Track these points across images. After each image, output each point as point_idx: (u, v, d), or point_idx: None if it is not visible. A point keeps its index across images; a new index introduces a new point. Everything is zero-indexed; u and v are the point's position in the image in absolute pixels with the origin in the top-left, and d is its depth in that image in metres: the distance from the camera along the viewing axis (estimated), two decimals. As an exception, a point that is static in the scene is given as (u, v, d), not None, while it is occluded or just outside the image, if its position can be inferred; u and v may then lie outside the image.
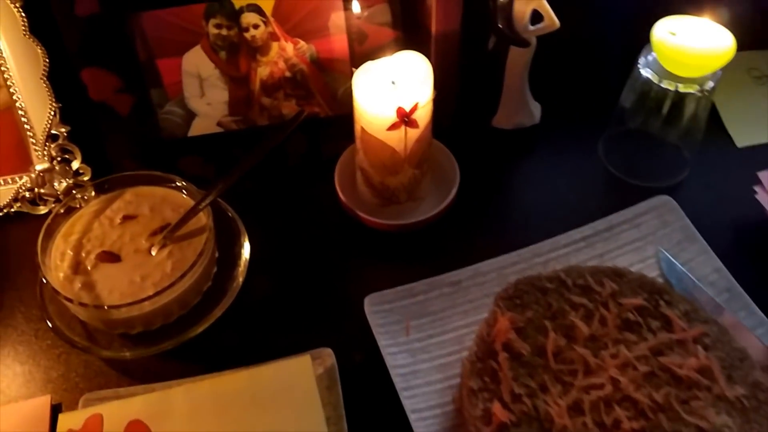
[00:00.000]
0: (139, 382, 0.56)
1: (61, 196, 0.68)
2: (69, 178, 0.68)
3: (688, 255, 0.59)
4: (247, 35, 0.64)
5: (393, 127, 0.57)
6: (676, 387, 0.48)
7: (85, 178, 0.68)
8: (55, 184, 0.68)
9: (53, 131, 0.67)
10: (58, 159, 0.68)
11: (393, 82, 0.57)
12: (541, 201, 0.68)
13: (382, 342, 0.54)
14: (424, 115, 0.58)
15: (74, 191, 0.64)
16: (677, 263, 0.58)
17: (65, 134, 0.67)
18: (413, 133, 0.58)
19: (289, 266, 0.64)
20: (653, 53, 0.61)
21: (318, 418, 0.50)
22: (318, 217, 0.67)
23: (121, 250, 0.59)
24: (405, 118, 0.56)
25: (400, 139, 0.58)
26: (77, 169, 0.68)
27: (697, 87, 0.60)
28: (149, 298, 0.54)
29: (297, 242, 0.66)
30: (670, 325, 0.51)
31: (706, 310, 0.53)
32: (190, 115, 0.68)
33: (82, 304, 0.55)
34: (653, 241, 0.60)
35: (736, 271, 0.57)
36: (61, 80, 0.65)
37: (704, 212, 0.63)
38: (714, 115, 0.71)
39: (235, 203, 0.64)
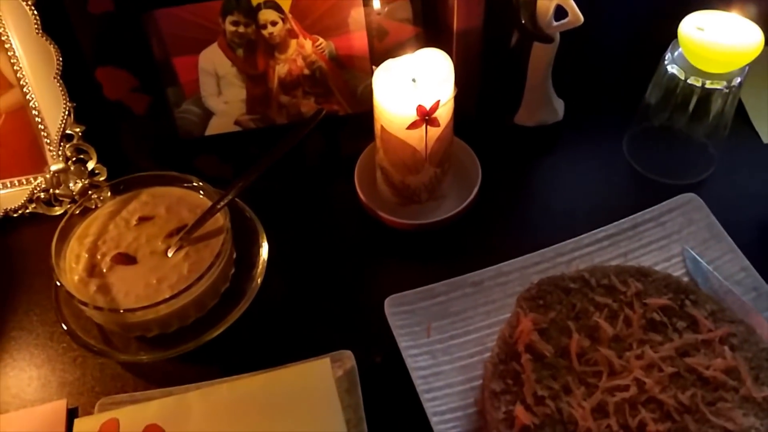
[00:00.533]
0: (156, 385, 0.58)
1: (76, 197, 0.70)
2: (84, 179, 0.70)
3: (714, 254, 0.61)
4: (265, 32, 0.66)
5: (413, 125, 0.58)
6: (702, 388, 0.50)
7: (101, 179, 0.70)
8: (71, 184, 0.70)
9: (68, 131, 0.69)
10: (73, 159, 0.70)
11: (414, 80, 0.59)
12: (564, 199, 0.70)
13: (403, 344, 0.56)
14: (445, 114, 0.60)
15: (90, 192, 0.67)
16: (703, 262, 0.60)
17: (80, 134, 0.69)
18: (434, 132, 0.60)
19: (308, 267, 0.66)
20: (680, 49, 0.62)
21: (338, 421, 0.52)
22: (337, 216, 0.69)
23: (137, 251, 0.61)
24: (426, 117, 0.58)
25: (420, 138, 0.60)
26: (93, 170, 0.70)
27: (724, 83, 0.61)
28: (165, 300, 0.56)
29: (316, 242, 0.68)
30: (696, 325, 0.53)
31: (732, 309, 0.54)
32: (207, 114, 0.70)
33: (97, 308, 0.57)
34: (679, 240, 0.62)
35: (764, 270, 0.58)
36: (75, 79, 0.67)
37: (730, 210, 0.64)
38: (740, 111, 0.72)
39: (253, 203, 0.66)
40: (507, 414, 0.50)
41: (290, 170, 0.70)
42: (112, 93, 0.67)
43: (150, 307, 0.56)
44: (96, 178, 0.70)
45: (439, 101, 0.57)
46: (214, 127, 0.70)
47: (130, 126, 0.70)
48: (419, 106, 0.57)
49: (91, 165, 0.70)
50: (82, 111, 0.69)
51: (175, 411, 0.54)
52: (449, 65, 0.58)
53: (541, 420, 0.49)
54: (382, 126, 0.61)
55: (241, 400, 0.54)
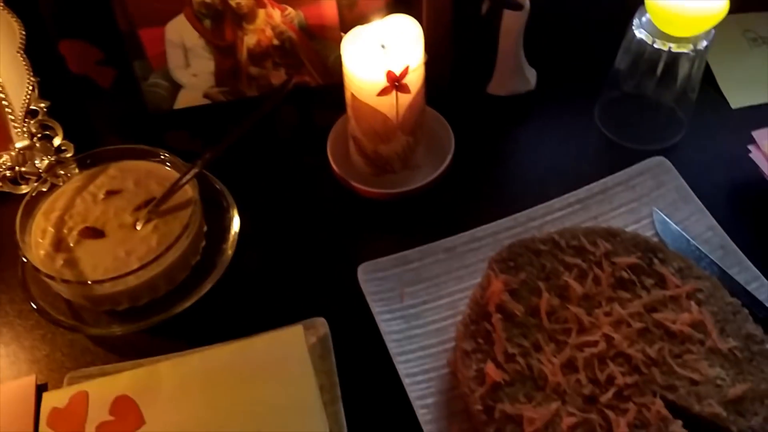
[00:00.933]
0: (128, 359, 0.59)
1: (43, 174, 0.70)
2: (51, 155, 0.70)
3: (682, 214, 0.63)
4: (232, 2, 0.67)
5: (383, 92, 0.60)
6: (669, 342, 0.52)
7: (68, 155, 0.70)
8: (37, 161, 0.71)
9: (32, 107, 0.70)
10: (39, 136, 0.70)
11: (383, 46, 0.61)
12: (537, 167, 0.72)
13: (376, 309, 0.58)
14: (415, 80, 0.61)
15: (56, 168, 0.68)
16: (671, 222, 0.62)
17: (45, 110, 0.70)
18: (405, 99, 0.62)
19: (282, 238, 0.68)
20: (647, 14, 0.65)
21: (311, 387, 0.53)
22: (312, 188, 0.71)
23: (105, 225, 0.62)
24: (395, 83, 0.60)
25: (391, 105, 0.62)
26: (59, 146, 0.71)
27: (690, 46, 0.63)
28: (133, 272, 0.57)
29: (290, 214, 0.69)
30: (663, 282, 0.55)
31: (699, 266, 0.57)
32: (176, 87, 0.71)
33: (64, 281, 0.58)
34: (648, 202, 0.64)
35: (731, 229, 0.61)
36: (38, 53, 0.68)
37: (699, 172, 0.67)
38: (709, 78, 0.75)
39: (226, 176, 0.68)
40: (478, 371, 0.52)
41: (263, 143, 0.72)
42: (76, 66, 0.68)
43: (118, 278, 0.57)
44: (62, 155, 0.71)
45: (408, 67, 0.59)
46: (183, 101, 0.72)
47: (96, 100, 0.71)
48: (388, 71, 0.59)
49: (57, 141, 0.71)
50: (47, 86, 0.70)
51: (145, 382, 0.55)
52: (418, 31, 0.60)
53: (512, 376, 0.51)
54: (352, 94, 0.62)
55: (212, 369, 0.55)
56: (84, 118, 0.72)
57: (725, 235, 0.61)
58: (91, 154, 0.66)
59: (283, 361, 0.55)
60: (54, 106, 0.70)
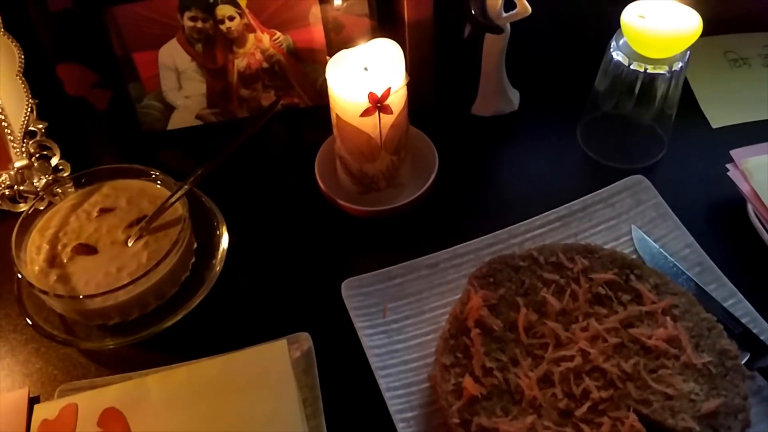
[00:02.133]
0: (118, 372, 0.59)
1: (41, 193, 0.71)
2: (48, 175, 0.71)
3: (661, 232, 0.63)
4: (223, 27, 0.68)
5: (366, 113, 0.61)
6: (644, 357, 0.52)
7: (65, 174, 0.71)
8: (35, 181, 0.72)
9: (31, 128, 0.71)
10: (37, 156, 0.71)
11: (366, 69, 0.61)
12: (520, 186, 0.72)
13: (359, 324, 0.58)
14: (398, 101, 0.62)
15: (54, 187, 0.68)
16: (650, 239, 0.62)
17: (43, 131, 0.71)
18: (387, 119, 0.62)
19: (270, 255, 0.68)
20: (624, 37, 0.65)
21: (293, 400, 0.53)
22: (299, 206, 0.71)
23: (98, 242, 0.62)
24: (378, 104, 0.60)
25: (374, 126, 0.62)
26: (56, 165, 0.72)
27: (666, 68, 0.64)
28: (123, 287, 0.58)
29: (278, 231, 0.70)
30: (640, 297, 0.55)
31: (677, 283, 0.57)
32: (169, 109, 0.72)
33: (57, 296, 0.58)
34: (627, 220, 0.64)
35: (708, 246, 0.61)
36: (37, 76, 0.69)
37: (678, 191, 0.67)
38: (691, 98, 0.75)
39: (216, 195, 0.68)
40: (456, 385, 0.52)
41: (254, 162, 0.72)
42: (73, 89, 0.69)
43: (109, 293, 0.58)
44: (60, 174, 0.72)
45: (390, 88, 0.60)
46: (176, 122, 0.72)
47: (92, 121, 0.71)
48: (371, 93, 0.59)
49: (54, 161, 0.72)
50: (44, 107, 0.71)
51: (133, 395, 0.55)
52: (399, 54, 0.61)
53: (489, 390, 0.51)
54: (337, 114, 0.63)
55: (199, 382, 0.55)
56: (81, 139, 0.72)
57: (702, 252, 0.61)
58: (86, 173, 0.67)
59: (267, 375, 0.55)
60: (52, 127, 0.71)
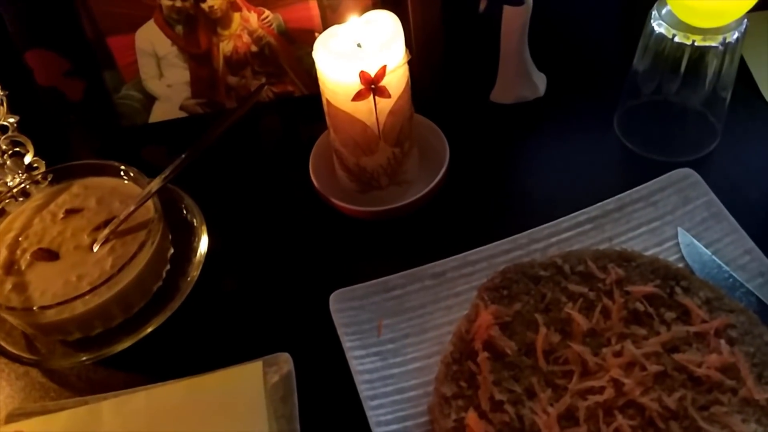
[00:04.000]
0: (80, 394, 0.53)
1: (15, 193, 0.65)
2: (22, 173, 0.66)
3: (714, 235, 0.53)
4: (204, 6, 0.61)
5: (359, 96, 0.53)
6: (693, 389, 0.42)
7: (40, 172, 0.66)
8: (8, 180, 0.66)
9: (1, 122, 0.65)
10: (9, 153, 0.66)
11: (359, 45, 0.53)
12: (547, 184, 0.63)
13: (348, 344, 0.50)
14: (396, 83, 0.54)
15: (28, 187, 0.62)
16: (700, 245, 0.52)
17: (15, 125, 0.65)
18: (385, 104, 0.54)
19: (254, 261, 0.60)
20: (667, 5, 0.56)
21: (263, 432, 0.45)
22: (293, 207, 0.64)
23: (61, 246, 0.56)
24: (372, 85, 0.52)
25: (370, 112, 0.54)
26: (30, 163, 0.66)
27: (719, 39, 0.54)
28: (80, 296, 0.51)
29: (266, 235, 0.62)
30: (687, 315, 0.46)
31: (733, 297, 0.47)
32: (150, 100, 0.66)
33: (9, 308, 0.52)
34: (673, 222, 0.54)
35: (773, 253, 0.51)
36: (6, 66, 0.63)
37: (734, 187, 0.57)
38: (747, 77, 0.65)
39: (201, 195, 0.61)
40: (457, 422, 0.43)
41: (243, 158, 0.66)
42: (44, 78, 0.64)
43: (63, 304, 0.51)
44: (34, 173, 0.66)
45: (385, 66, 0.52)
46: (159, 114, 0.66)
47: (67, 114, 0.65)
48: (362, 72, 0.51)
49: (28, 158, 0.66)
50: (16, 100, 0.65)
51: (84, 422, 0.49)
52: (397, 26, 0.53)
53: (497, 429, 0.42)
54: (327, 99, 0.55)
55: (158, 409, 0.48)
56: (56, 134, 0.66)
57: (766, 259, 0.50)
58: (54, 169, 0.61)
59: (235, 403, 0.47)
60: (24, 121, 0.65)
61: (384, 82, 0.52)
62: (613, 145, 0.64)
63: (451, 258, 0.54)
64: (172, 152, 0.67)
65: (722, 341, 0.44)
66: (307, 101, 0.65)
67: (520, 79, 0.65)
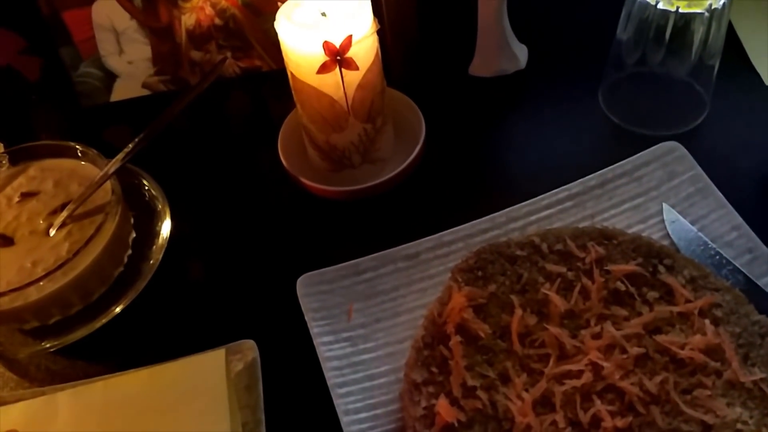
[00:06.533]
0: (39, 384, 0.52)
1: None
2: (-20, 157, 0.63)
3: (700, 211, 0.51)
4: (163, -24, 0.59)
5: (324, 68, 0.50)
6: (675, 372, 0.41)
7: (-3, 156, 0.63)
8: (-34, 164, 0.63)
9: (-44, 103, 0.63)
10: (-34, 136, 0.63)
11: (323, 14, 0.51)
12: (528, 161, 0.61)
13: (315, 329, 0.48)
14: (364, 54, 0.51)
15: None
16: (685, 221, 0.50)
17: (-31, 106, 0.63)
18: (353, 77, 0.52)
19: (221, 246, 0.58)
20: (652, -31, 0.53)
21: (223, 424, 0.43)
22: (262, 188, 0.62)
23: (16, 232, 0.54)
24: (337, 56, 0.50)
25: (337, 85, 0.52)
26: (-12, 147, 0.64)
27: (705, 5, 0.52)
28: (33, 283, 0.49)
29: (234, 218, 0.60)
30: (671, 295, 0.44)
31: (719, 275, 0.45)
32: (111, 78, 0.63)
33: (-42, 297, 0.50)
34: (657, 197, 0.52)
35: (760, 230, 0.49)
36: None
37: (723, 161, 0.56)
38: (737, 48, 0.63)
39: (166, 177, 0.59)
40: (427, 410, 0.41)
41: (209, 137, 0.64)
42: (-1, 57, 0.61)
43: (16, 291, 0.49)
44: (-8, 157, 0.64)
45: (351, 36, 0.49)
46: (120, 92, 0.64)
47: (24, 94, 0.63)
48: (326, 42, 0.49)
49: (-15, 141, 0.64)
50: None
51: (39, 414, 0.47)
52: (365, -6, 0.50)
53: (469, 416, 0.40)
54: (291, 73, 0.53)
55: (115, 400, 0.46)
56: (14, 115, 0.64)
57: (754, 235, 0.49)
58: (9, 151, 0.59)
59: (196, 393, 0.45)
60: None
61: (350, 54, 0.50)
62: (597, 119, 0.62)
63: (425, 239, 0.52)
64: (135, 132, 0.64)
65: (707, 321, 0.42)
66: (276, 76, 0.63)
67: (500, 50, 0.63)
